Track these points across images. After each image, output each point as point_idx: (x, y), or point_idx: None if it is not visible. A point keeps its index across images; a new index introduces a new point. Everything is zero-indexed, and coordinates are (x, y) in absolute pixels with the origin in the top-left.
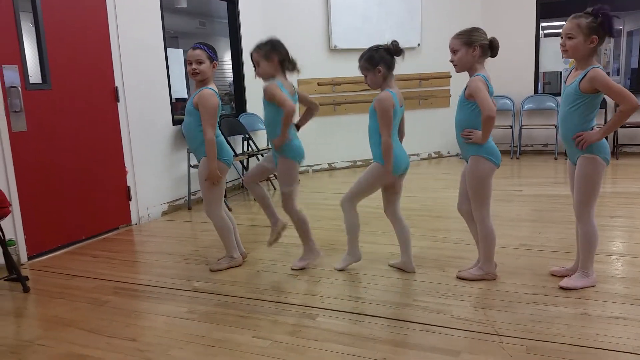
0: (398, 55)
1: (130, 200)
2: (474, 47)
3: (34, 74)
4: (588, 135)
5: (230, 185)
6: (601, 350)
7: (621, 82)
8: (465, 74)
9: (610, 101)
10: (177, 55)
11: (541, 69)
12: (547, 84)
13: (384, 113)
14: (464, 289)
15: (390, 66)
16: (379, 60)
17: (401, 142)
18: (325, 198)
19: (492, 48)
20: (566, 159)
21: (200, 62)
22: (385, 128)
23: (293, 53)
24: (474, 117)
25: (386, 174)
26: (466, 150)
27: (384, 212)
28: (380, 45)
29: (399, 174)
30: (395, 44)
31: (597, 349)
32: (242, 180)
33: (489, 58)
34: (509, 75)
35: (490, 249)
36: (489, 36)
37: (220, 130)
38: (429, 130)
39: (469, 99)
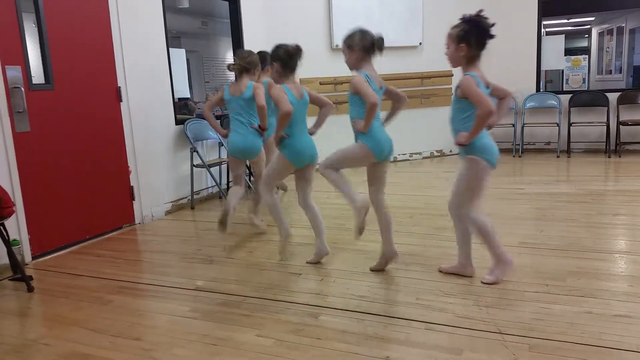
0: (380, 50)
1: (134, 200)
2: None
3: (37, 74)
4: (458, 136)
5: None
6: (604, 349)
7: (624, 80)
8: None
9: (612, 100)
10: (179, 55)
11: (543, 67)
12: (549, 82)
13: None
14: (467, 288)
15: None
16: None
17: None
18: (328, 197)
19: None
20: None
21: None
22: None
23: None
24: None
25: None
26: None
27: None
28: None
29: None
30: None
31: (600, 347)
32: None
33: (492, 56)
34: (511, 73)
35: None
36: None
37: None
38: (430, 129)
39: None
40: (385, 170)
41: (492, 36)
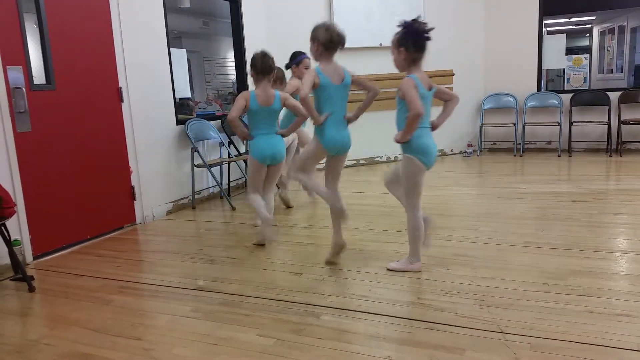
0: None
1: (135, 200)
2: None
3: (38, 74)
4: (395, 135)
5: (235, 184)
6: (606, 348)
7: (625, 79)
8: (469, 73)
9: (613, 99)
10: (180, 55)
11: (544, 67)
12: (550, 81)
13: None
14: (468, 287)
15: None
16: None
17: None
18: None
19: (415, 41)
20: None
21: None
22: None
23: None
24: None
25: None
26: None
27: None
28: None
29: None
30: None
31: (601, 347)
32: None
33: (493, 57)
34: (512, 72)
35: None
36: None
37: (224, 129)
38: None
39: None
40: (339, 164)
41: (427, 39)
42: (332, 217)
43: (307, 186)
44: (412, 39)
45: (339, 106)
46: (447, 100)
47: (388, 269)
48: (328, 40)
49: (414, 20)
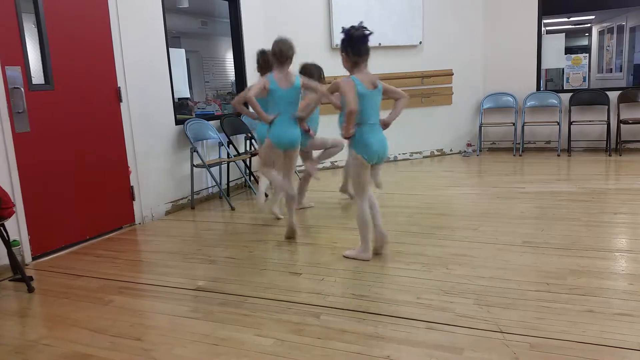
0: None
1: (134, 200)
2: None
3: (37, 74)
4: (341, 131)
5: (234, 184)
6: (606, 347)
7: (624, 78)
8: (469, 73)
9: (612, 98)
10: (179, 55)
11: (543, 66)
12: (549, 81)
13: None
14: (467, 287)
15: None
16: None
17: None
18: (329, 197)
19: (352, 47)
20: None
21: None
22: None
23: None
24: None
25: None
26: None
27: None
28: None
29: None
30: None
31: (601, 346)
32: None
33: (492, 56)
34: (511, 72)
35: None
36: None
37: (223, 129)
38: (431, 128)
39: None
40: (289, 160)
41: (364, 43)
42: (286, 202)
43: (268, 177)
44: (350, 45)
45: (286, 107)
46: (396, 99)
47: (343, 256)
48: (277, 53)
49: (352, 27)
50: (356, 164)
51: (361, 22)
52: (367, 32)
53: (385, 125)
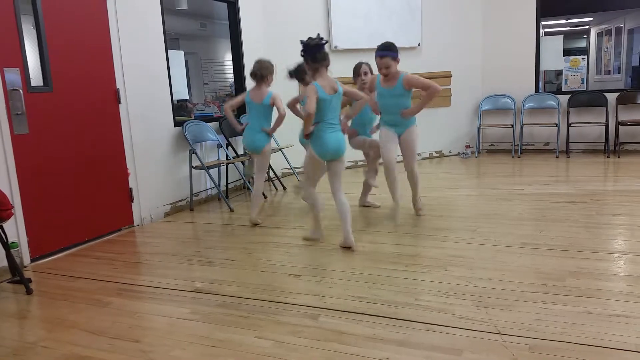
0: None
1: (133, 202)
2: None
3: (36, 76)
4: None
5: (233, 186)
6: (604, 349)
7: (622, 80)
8: (467, 74)
9: (610, 100)
10: (178, 57)
11: (542, 68)
12: (548, 82)
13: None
14: (466, 288)
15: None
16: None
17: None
18: (329, 198)
19: (310, 55)
20: None
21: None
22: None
23: (293, 54)
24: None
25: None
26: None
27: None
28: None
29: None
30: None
31: (599, 347)
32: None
33: (490, 58)
34: (510, 74)
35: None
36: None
37: (222, 131)
38: (430, 130)
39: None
40: (260, 161)
41: (319, 51)
42: (252, 199)
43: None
44: (307, 54)
45: (254, 118)
46: (357, 99)
47: (302, 238)
48: (252, 71)
49: (309, 38)
50: (309, 156)
51: (318, 34)
52: (323, 41)
53: (342, 125)
